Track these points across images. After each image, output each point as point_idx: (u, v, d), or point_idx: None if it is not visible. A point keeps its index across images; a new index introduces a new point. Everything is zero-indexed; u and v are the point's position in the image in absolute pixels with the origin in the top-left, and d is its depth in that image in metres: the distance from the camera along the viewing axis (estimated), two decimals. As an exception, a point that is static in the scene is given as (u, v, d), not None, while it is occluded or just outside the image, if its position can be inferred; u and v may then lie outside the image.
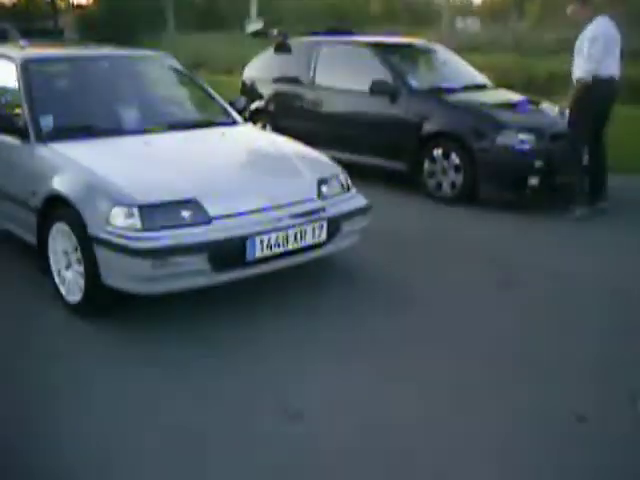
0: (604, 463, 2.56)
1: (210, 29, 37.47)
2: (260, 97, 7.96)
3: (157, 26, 21.82)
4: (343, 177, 4.36)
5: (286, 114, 7.61)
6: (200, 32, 35.29)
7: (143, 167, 3.87)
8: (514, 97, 6.87)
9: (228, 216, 3.62)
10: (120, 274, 3.49)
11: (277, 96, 7.81)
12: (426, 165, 6.35)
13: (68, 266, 3.81)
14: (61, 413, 2.87)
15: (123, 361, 3.34)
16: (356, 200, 4.31)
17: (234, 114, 5.05)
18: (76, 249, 3.67)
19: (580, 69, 5.64)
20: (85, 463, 2.53)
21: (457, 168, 6.14)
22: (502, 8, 69.70)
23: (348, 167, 4.66)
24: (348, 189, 4.36)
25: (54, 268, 3.93)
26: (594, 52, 5.55)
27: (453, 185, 6.20)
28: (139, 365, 3.29)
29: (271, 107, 7.81)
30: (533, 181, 5.90)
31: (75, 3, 48.60)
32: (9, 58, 4.68)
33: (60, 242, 3.83)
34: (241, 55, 17.20)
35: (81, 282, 3.69)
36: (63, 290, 3.88)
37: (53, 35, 40.65)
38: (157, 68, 5.33)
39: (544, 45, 26.81)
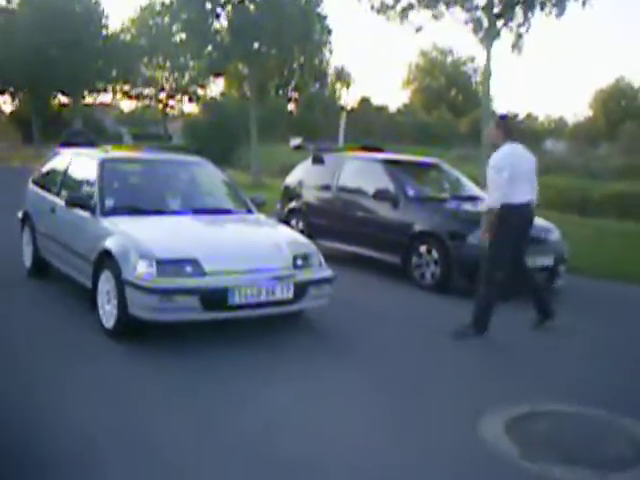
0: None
1: (305, 141, 40.93)
2: (297, 199, 9.67)
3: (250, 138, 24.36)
4: (317, 255, 5.85)
5: (314, 214, 9.28)
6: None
7: (167, 236, 5.51)
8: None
9: (218, 272, 5.16)
10: (139, 306, 5.06)
11: (309, 199, 9.50)
12: (414, 259, 7.74)
13: (108, 301, 5.41)
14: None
15: (135, 367, 4.86)
16: (323, 272, 5.78)
17: (251, 206, 6.69)
18: (114, 289, 5.28)
19: (489, 198, 5.79)
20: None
21: (437, 262, 7.50)
22: (595, 132, 70.62)
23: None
24: (320, 264, 5.83)
25: (99, 303, 5.54)
26: (499, 183, 5.62)
27: (433, 275, 7.54)
28: (148, 375, 4.80)
29: (304, 208, 9.49)
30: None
31: (185, 111, 53.80)
32: (93, 157, 6.58)
33: (105, 284, 5.46)
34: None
35: (115, 312, 5.28)
36: (103, 319, 5.47)
37: (163, 140, 44.84)
38: (199, 170, 7.11)
39: (614, 169, 27.91)
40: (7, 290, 6.87)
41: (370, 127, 54.70)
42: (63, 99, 42.10)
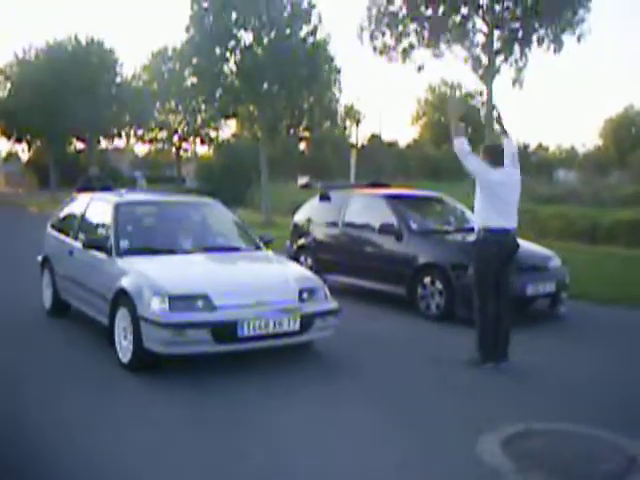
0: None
1: (316, 180, 41.53)
2: (306, 235, 9.97)
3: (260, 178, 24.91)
4: (322, 288, 6.12)
5: (322, 250, 9.60)
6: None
7: (178, 273, 5.83)
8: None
9: (228, 307, 5.45)
10: (154, 340, 5.35)
11: (316, 235, 9.82)
12: (419, 290, 7.97)
13: (125, 337, 5.69)
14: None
15: (149, 401, 5.12)
16: (329, 304, 6.04)
17: (259, 243, 7.00)
18: (129, 325, 5.56)
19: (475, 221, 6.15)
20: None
21: (441, 293, 7.73)
22: (605, 161, 70.56)
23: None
24: (326, 297, 6.09)
25: (117, 339, 5.83)
26: (480, 205, 5.97)
27: (438, 306, 7.76)
28: (162, 404, 5.06)
29: (312, 244, 9.80)
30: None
31: (198, 153, 54.67)
32: (108, 201, 6.94)
33: (121, 321, 5.75)
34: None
35: (131, 347, 5.56)
36: (120, 354, 5.75)
37: (176, 182, 45.39)
38: (209, 210, 7.44)
39: (623, 197, 28.05)
40: (30, 329, 7.18)
41: (381, 163, 55.22)
42: (79, 145, 43.04)
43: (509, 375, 5.87)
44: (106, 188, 8.15)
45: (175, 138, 51.97)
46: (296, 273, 6.35)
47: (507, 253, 6.00)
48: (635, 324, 8.12)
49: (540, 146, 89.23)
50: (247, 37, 21.53)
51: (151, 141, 51.13)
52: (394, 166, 54.80)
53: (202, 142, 53.57)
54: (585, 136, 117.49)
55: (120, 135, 43.23)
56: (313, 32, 22.02)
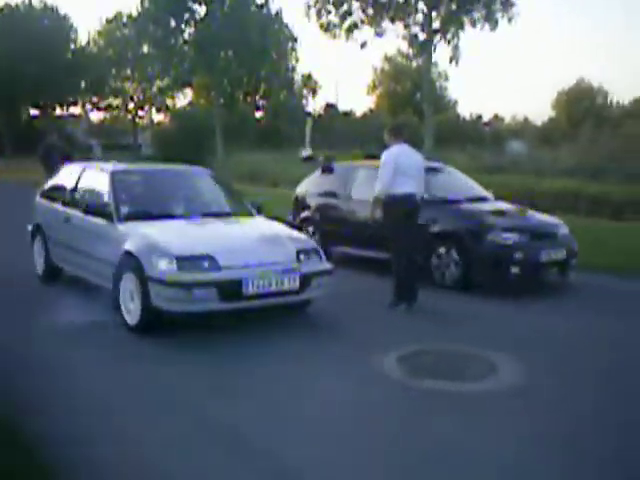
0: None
1: (271, 148, 41.29)
2: (308, 208, 10.01)
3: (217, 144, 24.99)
4: (317, 251, 6.45)
5: (327, 221, 9.63)
6: (261, 151, 39.11)
7: (181, 236, 6.10)
8: (507, 206, 8.68)
9: (232, 267, 5.75)
10: (162, 298, 5.62)
11: (320, 207, 9.85)
12: (433, 260, 7.99)
13: (132, 299, 5.93)
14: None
15: (151, 360, 5.44)
16: (323, 265, 6.40)
17: (251, 209, 7.28)
18: (137, 287, 5.81)
19: (376, 186, 6.95)
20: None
21: (456, 262, 7.76)
22: (559, 133, 71.66)
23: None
24: (320, 259, 6.43)
25: (122, 302, 6.07)
26: (383, 174, 6.83)
27: (453, 275, 7.82)
28: (162, 363, 5.39)
29: (316, 216, 9.90)
30: (515, 270, 7.54)
31: (154, 120, 54.01)
32: (103, 170, 7.16)
33: (127, 285, 5.97)
34: (289, 172, 20.40)
35: (138, 310, 5.81)
36: (127, 317, 6.00)
37: (132, 150, 45.02)
38: (200, 178, 7.73)
39: (560, 168, 28.61)
40: (27, 294, 7.45)
41: (336, 133, 55.30)
42: (33, 112, 42.16)
43: (419, 312, 6.81)
44: (66, 157, 8.34)
45: (131, 105, 51.29)
46: (291, 235, 6.64)
47: (409, 212, 6.92)
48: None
49: (496, 117, 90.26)
50: (201, 9, 21.54)
51: (106, 108, 50.38)
52: (351, 136, 54.92)
53: (158, 110, 53.00)
54: (540, 108, 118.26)
55: (75, 102, 42.45)
56: (264, 5, 22.11)
